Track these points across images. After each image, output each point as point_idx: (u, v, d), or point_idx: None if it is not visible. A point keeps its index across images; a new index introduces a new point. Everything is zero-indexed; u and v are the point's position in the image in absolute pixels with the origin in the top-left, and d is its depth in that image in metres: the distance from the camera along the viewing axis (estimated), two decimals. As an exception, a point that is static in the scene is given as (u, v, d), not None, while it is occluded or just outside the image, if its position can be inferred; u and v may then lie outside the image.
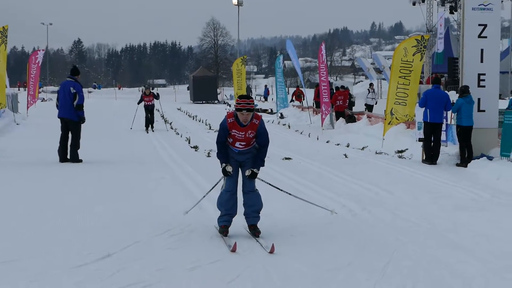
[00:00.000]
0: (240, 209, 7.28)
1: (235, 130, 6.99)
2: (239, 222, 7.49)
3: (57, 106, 14.04)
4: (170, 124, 25.88)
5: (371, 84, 36.68)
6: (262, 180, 7.43)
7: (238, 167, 7.26)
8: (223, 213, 7.28)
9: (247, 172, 7.09)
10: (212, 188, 7.76)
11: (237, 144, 7.16)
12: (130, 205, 9.80)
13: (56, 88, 67.98)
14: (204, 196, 7.88)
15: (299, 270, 6.25)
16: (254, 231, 7.23)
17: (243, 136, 7.06)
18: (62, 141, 13.67)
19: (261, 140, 7.12)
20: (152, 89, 25.15)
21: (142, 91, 25.15)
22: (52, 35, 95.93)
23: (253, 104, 7.07)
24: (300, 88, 37.61)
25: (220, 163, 7.08)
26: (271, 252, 6.48)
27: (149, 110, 23.44)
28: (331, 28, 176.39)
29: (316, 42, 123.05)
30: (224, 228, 7.24)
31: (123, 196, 10.64)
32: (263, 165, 7.22)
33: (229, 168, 7.04)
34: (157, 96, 24.02)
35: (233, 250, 6.50)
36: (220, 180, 7.39)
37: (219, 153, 7.18)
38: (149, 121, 23.56)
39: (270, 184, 7.57)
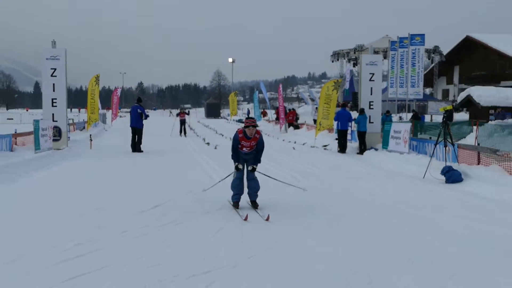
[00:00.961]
0: (245, 193, 9.86)
1: (244, 141, 9.47)
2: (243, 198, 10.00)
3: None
4: (193, 130, 37.13)
5: (316, 108, 47.24)
6: (259, 172, 9.97)
7: (244, 163, 9.73)
8: (235, 193, 9.69)
9: (250, 168, 9.63)
10: (227, 176, 10.76)
11: (244, 149, 9.61)
12: (168, 175, 14.11)
13: (128, 109, 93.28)
14: (219, 181, 10.72)
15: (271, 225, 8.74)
16: (255, 205, 9.64)
17: (248, 144, 9.52)
18: (132, 140, 20.89)
19: (259, 147, 9.62)
20: (184, 109, 34.57)
21: (179, 110, 34.85)
22: (125, 78, 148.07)
23: (256, 123, 9.58)
24: (266, 110, 57.36)
25: (234, 162, 9.71)
26: (267, 219, 8.58)
27: (183, 122, 32.65)
28: (285, 75, 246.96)
29: (277, 83, 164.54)
30: (236, 203, 9.66)
31: (164, 169, 15.49)
32: (260, 162, 9.76)
33: (240, 166, 9.65)
34: (188, 113, 33.54)
35: (245, 219, 8.61)
36: (232, 172, 10.00)
37: (233, 155, 9.74)
38: (183, 130, 32.37)
39: (263, 174, 10.35)
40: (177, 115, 33.74)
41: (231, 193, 9.78)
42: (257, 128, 9.68)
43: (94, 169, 15.56)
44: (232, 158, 9.75)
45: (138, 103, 21.65)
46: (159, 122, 47.22)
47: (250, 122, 9.48)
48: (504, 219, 8.99)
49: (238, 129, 9.72)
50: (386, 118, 25.50)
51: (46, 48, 21.22)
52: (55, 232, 7.78)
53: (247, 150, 9.64)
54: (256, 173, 9.77)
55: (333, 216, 8.75)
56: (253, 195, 9.70)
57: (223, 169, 15.30)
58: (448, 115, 13.97)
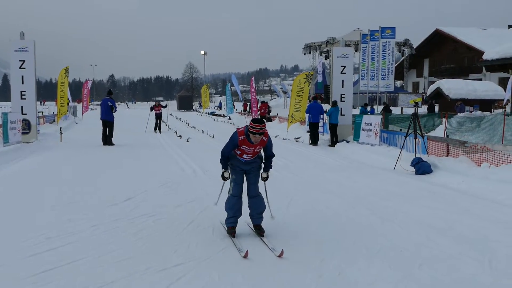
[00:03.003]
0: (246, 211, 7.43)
1: (245, 146, 6.96)
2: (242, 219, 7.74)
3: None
4: (165, 122, 33.60)
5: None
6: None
7: (243, 175, 7.23)
8: (230, 215, 7.24)
9: (264, 175, 7.21)
10: (222, 188, 7.65)
11: (244, 156, 7.11)
12: (140, 168, 14.09)
13: (99, 102, 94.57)
14: (219, 194, 7.63)
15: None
16: (259, 231, 7.24)
17: (251, 150, 7.03)
18: (103, 133, 20.75)
19: (269, 152, 7.17)
20: (160, 102, 31.07)
21: (153, 104, 30.32)
22: (96, 71, 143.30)
23: (265, 128, 6.95)
24: (247, 103, 51.94)
25: (221, 168, 7.15)
26: (280, 256, 6.30)
27: (158, 117, 29.14)
28: (257, 67, 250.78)
29: (249, 76, 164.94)
30: (231, 229, 7.20)
31: (136, 162, 15.55)
32: (271, 167, 7.32)
33: (226, 174, 7.09)
34: (165, 106, 30.31)
35: (245, 256, 6.28)
36: (224, 183, 7.42)
37: (221, 160, 7.17)
38: (158, 126, 29.10)
39: (265, 189, 7.46)
40: (152, 108, 29.40)
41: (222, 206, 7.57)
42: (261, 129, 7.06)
43: (65, 162, 15.43)
44: (220, 162, 7.27)
45: (109, 96, 21.54)
46: (135, 116, 46.89)
47: (258, 129, 6.92)
48: (471, 209, 9.16)
49: (238, 128, 7.34)
50: (365, 111, 25.81)
51: (14, 39, 20.89)
52: (25, 226, 7.72)
53: (248, 158, 7.23)
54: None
55: (303, 209, 8.49)
56: (257, 217, 7.40)
57: (195, 161, 15.56)
58: (430, 107, 13.92)
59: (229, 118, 43.73)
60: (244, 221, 7.64)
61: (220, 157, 7.25)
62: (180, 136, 25.51)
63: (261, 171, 7.36)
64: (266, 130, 7.16)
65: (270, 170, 7.40)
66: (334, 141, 21.33)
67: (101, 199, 9.74)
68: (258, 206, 7.33)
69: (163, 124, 30.88)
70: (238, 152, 7.17)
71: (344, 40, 27.33)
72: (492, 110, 33.78)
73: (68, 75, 33.08)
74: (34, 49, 20.87)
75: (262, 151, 7.33)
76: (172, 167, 14.35)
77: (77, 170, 13.88)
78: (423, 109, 35.99)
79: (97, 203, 9.42)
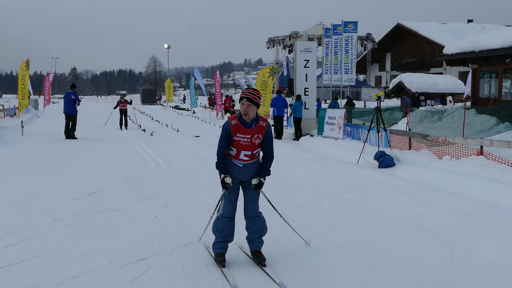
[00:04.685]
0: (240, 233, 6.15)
1: (240, 133, 5.68)
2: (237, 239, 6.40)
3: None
4: (129, 116, 29.61)
5: None
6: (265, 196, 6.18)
7: (238, 190, 5.90)
8: (219, 240, 5.92)
9: (254, 181, 5.78)
10: (219, 203, 6.07)
11: (241, 156, 5.77)
12: (103, 162, 13.99)
13: (60, 96, 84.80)
14: (211, 218, 6.31)
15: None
16: (260, 259, 5.93)
17: (248, 141, 5.70)
18: (66, 126, 20.48)
19: (269, 151, 5.86)
20: (125, 96, 28.11)
21: (118, 100, 27.54)
22: (58, 64, 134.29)
23: (258, 97, 5.73)
24: (212, 97, 48.95)
25: (219, 173, 5.81)
26: None
27: (124, 112, 27.01)
28: (221, 61, 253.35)
29: (213, 69, 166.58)
30: (220, 256, 5.90)
31: (99, 156, 15.47)
32: (269, 174, 5.92)
33: (228, 180, 5.74)
34: (130, 102, 27.76)
35: None
36: (219, 202, 6.05)
37: (218, 163, 5.83)
38: (124, 121, 26.85)
39: (269, 202, 6.26)
40: (117, 105, 27.11)
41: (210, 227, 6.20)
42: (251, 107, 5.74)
43: (26, 156, 15.22)
44: (217, 167, 5.91)
45: (72, 89, 21.33)
46: (99, 109, 46.27)
47: (247, 93, 5.77)
48: (433, 201, 9.33)
49: (229, 116, 6.26)
50: (335, 105, 26.08)
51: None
52: (-17, 222, 7.53)
53: (247, 159, 5.84)
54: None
55: (265, 201, 6.59)
56: (256, 242, 6.07)
57: (159, 155, 15.47)
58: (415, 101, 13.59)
59: (193, 112, 43.64)
60: (235, 243, 6.39)
61: (216, 159, 5.84)
62: (144, 130, 25.34)
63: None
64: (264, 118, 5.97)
65: (265, 177, 5.93)
66: (298, 135, 21.48)
67: (63, 193, 9.63)
68: (258, 229, 6.01)
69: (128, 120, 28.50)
70: (234, 151, 5.79)
71: (308, 34, 27.61)
72: (447, 103, 34.35)
73: (29, 68, 32.47)
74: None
75: (261, 155, 5.96)
76: (136, 161, 14.32)
77: (39, 163, 13.70)
78: (385, 103, 36.47)
79: (59, 197, 9.30)
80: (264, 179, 5.89)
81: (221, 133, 5.81)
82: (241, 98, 5.73)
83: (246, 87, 77.84)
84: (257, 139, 5.75)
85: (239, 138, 5.71)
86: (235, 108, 37.38)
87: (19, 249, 6.31)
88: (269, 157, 5.91)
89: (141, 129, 26.15)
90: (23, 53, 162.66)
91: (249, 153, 5.78)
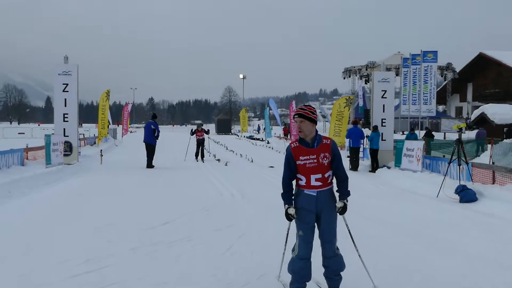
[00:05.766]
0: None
1: (303, 155, 5.34)
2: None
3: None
4: (205, 148, 27.99)
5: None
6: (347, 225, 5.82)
7: (313, 228, 5.46)
8: (296, 281, 5.53)
9: (339, 204, 5.40)
10: (286, 242, 5.92)
11: (312, 181, 5.33)
12: (179, 191, 14.17)
13: (138, 125, 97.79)
14: (283, 254, 6.01)
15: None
16: None
17: (315, 162, 5.31)
18: (147, 155, 21.05)
19: (340, 168, 5.49)
20: (202, 125, 26.75)
21: (195, 128, 26.11)
22: (136, 94, 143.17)
23: (311, 112, 5.42)
24: (287, 127, 49.07)
25: (284, 204, 5.48)
26: None
27: (201, 143, 25.52)
28: (296, 91, 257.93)
29: (288, 99, 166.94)
30: None
31: (174, 185, 15.62)
32: (349, 194, 5.52)
33: (291, 211, 5.36)
34: (207, 132, 25.95)
35: None
36: (288, 234, 5.90)
37: (282, 193, 5.47)
38: (200, 153, 25.38)
39: (350, 235, 5.85)
40: (193, 133, 25.45)
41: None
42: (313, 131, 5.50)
43: (105, 184, 15.64)
44: (282, 196, 5.55)
45: (153, 120, 21.85)
46: (176, 140, 47.03)
47: (299, 109, 5.52)
48: (519, 239, 8.84)
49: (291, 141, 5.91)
50: (411, 136, 25.51)
51: (59, 63, 21.44)
52: (65, 247, 7.79)
53: (319, 184, 5.40)
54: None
55: (342, 233, 5.90)
56: (334, 279, 5.70)
57: (233, 185, 15.49)
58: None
59: (268, 142, 43.74)
60: (312, 279, 5.89)
61: (282, 188, 5.49)
62: (218, 160, 25.47)
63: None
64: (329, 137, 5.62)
65: (347, 198, 5.52)
66: (374, 166, 21.14)
67: (140, 222, 9.78)
68: (337, 268, 5.62)
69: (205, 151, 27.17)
70: (303, 179, 5.39)
71: (385, 64, 27.06)
72: None
73: (109, 98, 33.83)
74: (77, 72, 21.35)
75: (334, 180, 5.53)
76: (210, 191, 14.37)
77: (117, 192, 14.03)
78: (467, 135, 35.28)
79: (136, 225, 9.45)
80: (347, 201, 5.47)
81: (284, 162, 5.53)
82: (293, 117, 5.48)
83: (321, 117, 77.68)
84: (325, 159, 5.35)
85: (303, 161, 5.34)
86: None
87: (98, 276, 6.43)
88: (343, 177, 5.50)
89: (216, 159, 26.27)
90: (104, 84, 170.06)
91: (319, 176, 5.34)
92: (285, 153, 5.35)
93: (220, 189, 14.74)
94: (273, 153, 33.43)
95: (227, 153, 31.97)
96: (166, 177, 17.85)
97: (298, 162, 5.37)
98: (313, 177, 5.34)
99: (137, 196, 13.23)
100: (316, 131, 5.47)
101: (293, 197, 5.50)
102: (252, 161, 25.60)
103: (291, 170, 5.40)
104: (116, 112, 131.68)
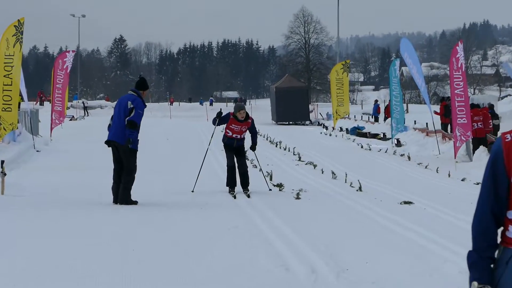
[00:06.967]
0: None
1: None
2: None
3: (108, 127, 9.57)
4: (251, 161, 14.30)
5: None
6: None
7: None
8: None
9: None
10: None
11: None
12: (197, 264, 6.41)
13: (91, 102, 52.45)
14: None
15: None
16: None
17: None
18: (115, 173, 9.46)
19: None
20: (243, 104, 13.40)
21: (225, 112, 11.33)
22: (85, 30, 72.92)
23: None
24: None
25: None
26: None
27: (237, 150, 10.82)
28: (466, 22, 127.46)
29: (446, 41, 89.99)
30: None
31: (186, 249, 6.96)
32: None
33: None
34: (252, 123, 10.66)
35: None
36: None
37: (471, 252, 3.16)
38: (240, 174, 10.90)
39: None
40: (221, 121, 10.69)
41: None
42: None
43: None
44: (470, 259, 2.22)
45: (136, 91, 9.67)
46: (164, 131, 26.76)
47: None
48: None
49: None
50: None
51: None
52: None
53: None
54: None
55: None
56: None
57: (317, 249, 7.03)
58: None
59: (398, 144, 23.09)
60: None
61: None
62: (279, 186, 12.06)
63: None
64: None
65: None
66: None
67: None
68: None
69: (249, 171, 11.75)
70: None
71: None
72: None
73: (21, 40, 14.90)
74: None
75: None
76: (261, 260, 6.47)
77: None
78: None
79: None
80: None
81: (484, 173, 2.32)
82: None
83: None
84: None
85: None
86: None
87: None
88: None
89: (274, 183, 11.42)
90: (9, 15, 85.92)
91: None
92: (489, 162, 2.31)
93: (285, 256, 6.72)
94: (411, 167, 17.36)
95: (299, 168, 16.06)
96: (162, 230, 7.95)
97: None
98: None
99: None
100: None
101: (492, 265, 2.30)
102: (360, 188, 12.16)
103: (497, 194, 2.21)
104: (39, 70, 77.88)
